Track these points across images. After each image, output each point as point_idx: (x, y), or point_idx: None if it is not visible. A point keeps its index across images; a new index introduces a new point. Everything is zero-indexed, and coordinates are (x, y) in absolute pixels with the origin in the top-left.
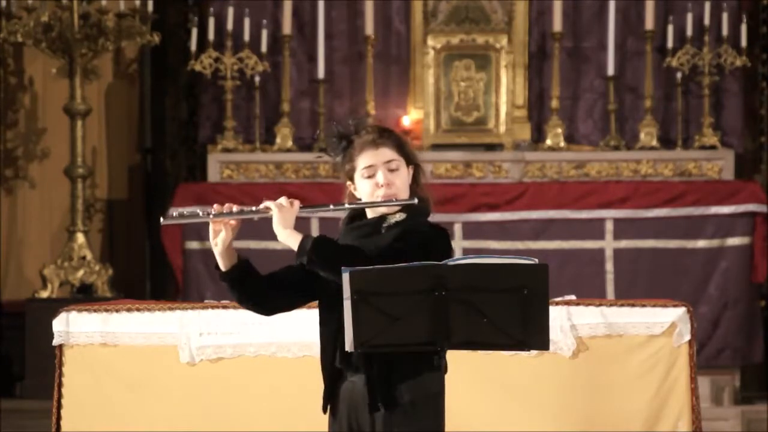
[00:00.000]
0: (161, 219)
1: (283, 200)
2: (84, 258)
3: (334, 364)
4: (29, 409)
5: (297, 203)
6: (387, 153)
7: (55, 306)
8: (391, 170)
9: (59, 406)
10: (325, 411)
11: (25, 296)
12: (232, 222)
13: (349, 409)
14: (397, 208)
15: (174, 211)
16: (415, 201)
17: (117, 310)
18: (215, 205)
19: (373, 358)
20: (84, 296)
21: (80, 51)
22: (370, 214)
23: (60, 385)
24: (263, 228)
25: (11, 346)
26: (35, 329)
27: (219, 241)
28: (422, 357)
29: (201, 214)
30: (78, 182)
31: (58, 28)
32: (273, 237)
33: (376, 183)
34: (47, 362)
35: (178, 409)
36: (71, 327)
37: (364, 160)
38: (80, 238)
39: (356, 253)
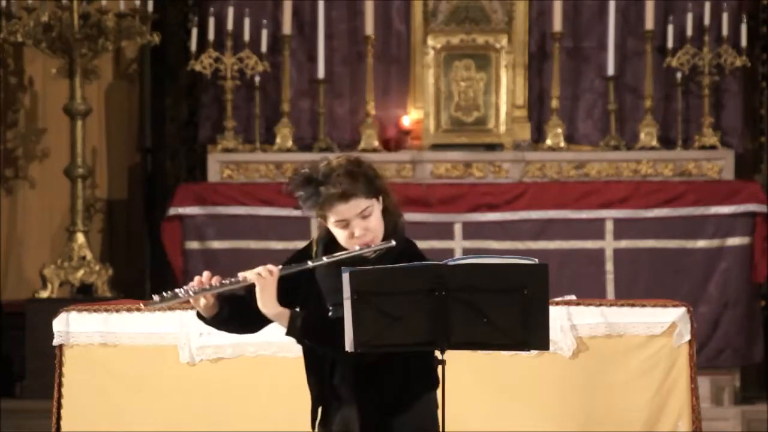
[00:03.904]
0: (141, 305)
1: (262, 271)
2: (84, 258)
3: (323, 390)
4: (29, 409)
5: (276, 270)
6: (358, 204)
7: (55, 306)
8: (365, 217)
9: (59, 406)
10: (313, 429)
11: (25, 296)
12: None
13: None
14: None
15: (155, 297)
16: (393, 243)
17: (117, 310)
18: (196, 279)
19: (364, 387)
20: (84, 296)
21: (80, 51)
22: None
23: (60, 385)
24: (264, 228)
25: (11, 346)
26: (35, 329)
27: (201, 305)
28: (414, 379)
29: (182, 294)
30: (78, 182)
31: (58, 28)
32: (273, 237)
33: (351, 234)
34: (47, 362)
35: (178, 409)
36: (71, 327)
37: (335, 215)
38: (80, 238)
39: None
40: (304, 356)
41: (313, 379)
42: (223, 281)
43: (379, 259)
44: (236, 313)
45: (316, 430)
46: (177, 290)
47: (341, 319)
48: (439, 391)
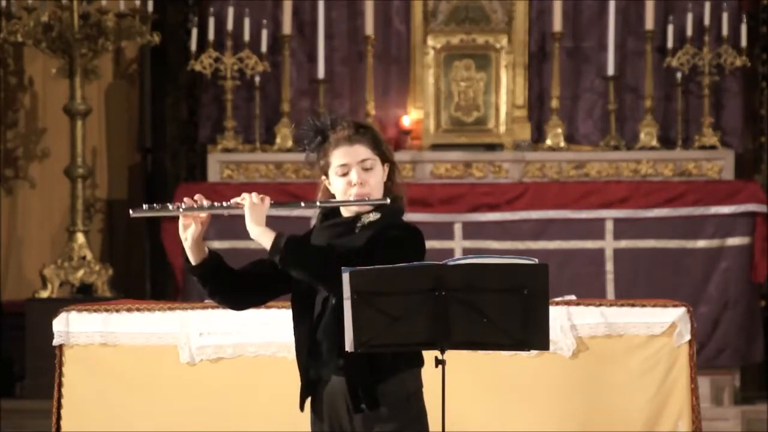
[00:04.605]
0: (130, 211)
1: (254, 196)
2: (84, 258)
3: (310, 362)
4: (29, 409)
5: (267, 200)
6: (362, 151)
7: (55, 306)
8: (366, 169)
9: (59, 406)
10: (302, 409)
11: (25, 296)
12: (202, 216)
13: (330, 409)
14: (370, 207)
15: (145, 204)
16: (388, 201)
17: (117, 310)
18: (185, 199)
19: (352, 358)
20: (84, 296)
21: (80, 51)
22: (344, 212)
23: (60, 385)
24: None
25: (11, 346)
26: (35, 329)
27: (188, 235)
28: (400, 355)
29: (171, 207)
30: (78, 182)
31: (58, 28)
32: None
33: (349, 182)
34: (47, 362)
35: (178, 409)
36: (71, 327)
37: (338, 158)
38: (80, 238)
39: (329, 253)
40: (293, 306)
41: (299, 332)
42: (215, 203)
43: (361, 228)
44: (224, 272)
45: (309, 418)
46: (168, 204)
47: (323, 247)
48: (438, 390)
